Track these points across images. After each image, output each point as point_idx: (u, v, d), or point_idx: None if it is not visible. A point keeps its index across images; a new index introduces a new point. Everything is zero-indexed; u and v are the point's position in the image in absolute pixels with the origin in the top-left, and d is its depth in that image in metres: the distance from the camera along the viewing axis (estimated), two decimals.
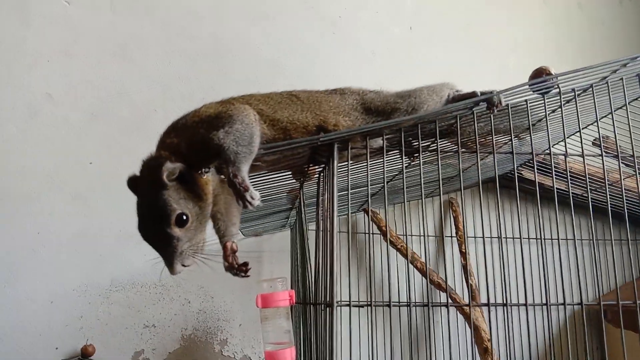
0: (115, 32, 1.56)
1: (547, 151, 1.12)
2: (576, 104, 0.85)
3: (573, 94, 0.87)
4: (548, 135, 0.88)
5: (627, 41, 1.91)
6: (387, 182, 1.25)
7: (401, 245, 1.47)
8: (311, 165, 0.92)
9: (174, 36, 1.61)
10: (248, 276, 0.94)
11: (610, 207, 0.99)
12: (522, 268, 0.90)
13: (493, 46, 1.85)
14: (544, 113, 0.88)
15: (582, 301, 0.93)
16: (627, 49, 1.87)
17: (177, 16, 1.62)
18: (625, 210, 1.02)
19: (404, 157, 0.83)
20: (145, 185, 0.81)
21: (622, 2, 1.94)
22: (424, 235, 1.05)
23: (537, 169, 1.54)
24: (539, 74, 0.85)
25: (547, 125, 0.87)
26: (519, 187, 1.35)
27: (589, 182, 1.39)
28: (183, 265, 0.79)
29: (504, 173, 1.56)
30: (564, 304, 0.82)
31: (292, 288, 1.44)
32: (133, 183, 0.84)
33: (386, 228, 1.29)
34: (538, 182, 1.60)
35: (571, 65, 0.89)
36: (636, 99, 0.97)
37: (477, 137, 0.82)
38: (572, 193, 1.47)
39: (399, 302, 0.79)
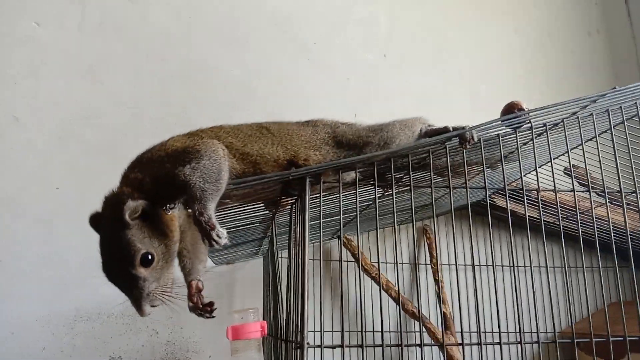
0: (83, 53, 1.53)
1: (519, 181, 1.13)
2: (547, 138, 0.86)
3: (544, 127, 0.88)
4: (520, 168, 0.88)
5: (595, 70, 1.96)
6: (361, 211, 1.23)
7: (375, 274, 1.46)
8: (283, 197, 0.90)
9: (144, 58, 1.58)
10: (213, 317, 0.90)
11: (582, 235, 1.00)
12: (495, 297, 0.89)
13: (465, 73, 1.87)
14: (516, 146, 0.88)
15: (556, 338, 0.93)
16: (595, 78, 1.91)
17: (147, 37, 1.60)
18: (596, 238, 1.02)
19: (376, 190, 0.82)
20: (107, 223, 0.78)
21: (591, 34, 1.99)
22: (397, 263, 1.03)
23: (510, 197, 1.55)
24: (511, 109, 0.86)
25: (519, 158, 0.88)
26: (492, 215, 1.36)
27: (561, 210, 1.41)
28: (152, 306, 0.77)
29: (477, 200, 1.56)
30: (537, 342, 0.82)
31: (264, 319, 1.41)
32: (95, 221, 0.81)
33: (359, 255, 1.28)
34: (511, 210, 1.61)
35: (541, 94, 0.90)
36: (605, 131, 0.99)
37: (449, 170, 0.81)
38: (544, 221, 1.49)
39: (374, 342, 0.77)
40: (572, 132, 0.95)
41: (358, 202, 0.80)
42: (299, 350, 0.73)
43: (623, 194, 1.23)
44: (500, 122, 0.83)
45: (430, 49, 1.86)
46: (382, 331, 0.74)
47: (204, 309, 0.91)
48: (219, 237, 0.73)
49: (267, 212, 0.98)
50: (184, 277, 0.93)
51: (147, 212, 0.77)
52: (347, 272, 1.54)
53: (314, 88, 1.73)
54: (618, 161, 0.88)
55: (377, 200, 0.96)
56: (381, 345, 0.75)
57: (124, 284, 0.76)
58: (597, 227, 1.35)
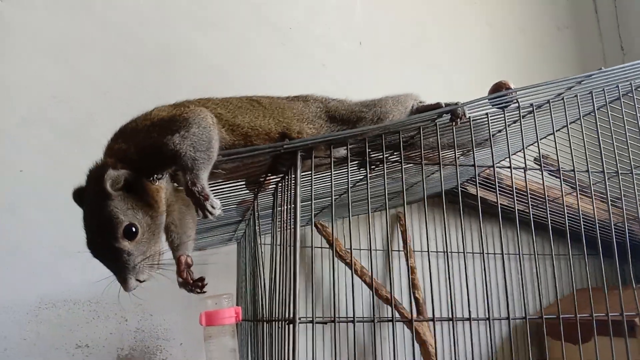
0: (51, 32, 1.47)
1: (504, 162, 1.14)
2: (534, 117, 0.87)
3: (530, 108, 0.89)
4: (508, 147, 0.88)
5: (564, 64, 2.00)
6: (340, 195, 1.23)
7: (349, 260, 1.45)
8: (269, 174, 0.88)
9: (116, 39, 1.54)
10: (204, 292, 0.88)
11: (551, 222, 1.02)
12: (465, 282, 0.90)
13: (439, 63, 1.88)
14: (500, 127, 0.88)
15: (527, 315, 0.95)
16: (564, 72, 1.95)
17: (119, 18, 1.55)
18: (567, 226, 1.04)
19: (368, 168, 0.81)
20: (90, 196, 0.75)
21: (560, 29, 2.04)
22: (370, 250, 1.03)
23: (481, 184, 1.58)
24: (499, 88, 0.86)
25: (507, 137, 0.88)
26: (464, 202, 1.37)
27: (531, 198, 1.43)
28: (138, 281, 0.74)
29: (449, 188, 1.57)
30: (507, 318, 0.82)
31: (238, 304, 1.39)
32: (78, 195, 0.78)
33: (333, 241, 1.28)
34: (482, 198, 1.63)
35: (512, 85, 0.91)
36: (589, 114, 0.99)
37: (439, 147, 0.81)
38: (515, 209, 1.51)
39: (354, 317, 0.76)
40: (545, 119, 0.96)
41: (349, 179, 0.79)
42: (290, 325, 0.71)
43: (591, 182, 1.26)
44: (492, 98, 0.83)
45: (406, 39, 1.87)
46: (354, 308, 0.74)
47: (194, 285, 0.89)
48: (213, 208, 0.71)
49: (249, 191, 0.96)
50: (172, 253, 0.91)
51: (130, 183, 0.74)
52: (321, 258, 1.53)
53: (289, 73, 1.71)
54: (601, 145, 0.89)
55: (369, 180, 0.96)
56: (372, 321, 0.74)
57: (108, 258, 0.73)
58: (567, 216, 1.39)
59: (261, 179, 0.90)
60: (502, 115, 0.87)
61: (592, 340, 1.06)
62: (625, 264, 1.12)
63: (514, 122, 0.89)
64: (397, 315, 1.51)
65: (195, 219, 0.94)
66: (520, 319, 0.96)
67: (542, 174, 1.33)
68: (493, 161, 0.85)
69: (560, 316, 0.97)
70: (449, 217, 1.64)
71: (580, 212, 1.05)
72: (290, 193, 0.77)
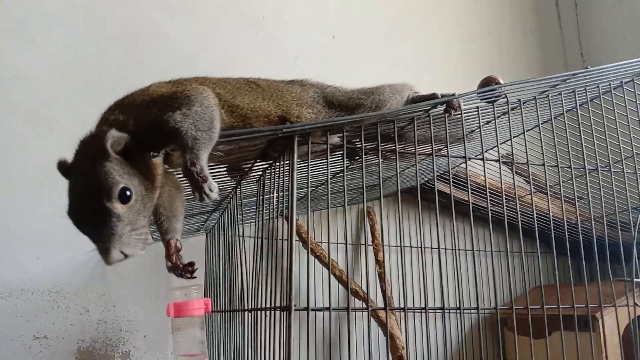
0: (10, 5, 1.39)
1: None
2: (521, 112, 0.89)
3: (515, 104, 0.91)
4: (497, 139, 0.89)
5: (528, 67, 2.07)
6: (317, 186, 1.22)
7: (320, 253, 1.45)
8: (257, 160, 0.86)
9: (81, 17, 1.47)
10: (195, 277, 0.85)
11: (508, 219, 1.04)
12: (422, 274, 0.91)
13: (409, 61, 1.90)
14: (484, 120, 0.90)
15: (497, 305, 0.97)
16: (528, 74, 2.01)
17: None
18: (531, 225, 1.07)
19: (364, 156, 0.80)
20: (83, 160, 0.71)
21: (526, 34, 2.10)
22: (345, 243, 1.03)
23: (447, 181, 1.61)
24: (489, 82, 0.88)
25: (496, 133, 0.89)
26: (430, 199, 1.40)
27: (497, 197, 1.47)
28: (122, 254, 0.68)
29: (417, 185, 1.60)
30: (477, 308, 0.85)
31: (206, 296, 1.36)
32: (64, 166, 0.75)
33: (308, 234, 1.27)
34: (449, 194, 1.66)
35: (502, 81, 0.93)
36: (571, 109, 1.01)
37: (432, 139, 0.82)
38: (482, 206, 1.55)
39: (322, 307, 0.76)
40: (518, 117, 0.98)
41: (329, 170, 0.79)
42: (286, 312, 0.70)
43: (548, 184, 1.30)
44: (485, 92, 0.84)
45: (377, 35, 1.88)
46: (330, 298, 0.74)
47: (184, 269, 0.86)
48: (211, 191, 0.68)
49: (230, 179, 0.94)
50: (161, 236, 0.87)
51: (129, 150, 0.70)
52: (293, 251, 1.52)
53: (261, 63, 1.69)
54: (583, 141, 0.92)
55: (347, 173, 0.95)
56: (346, 309, 0.74)
57: (94, 222, 0.67)
58: (525, 214, 1.43)
59: (246, 166, 0.88)
60: (488, 110, 0.88)
61: (552, 334, 1.10)
62: (581, 262, 1.17)
63: (501, 115, 0.90)
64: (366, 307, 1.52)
65: (184, 202, 0.91)
66: (491, 308, 0.98)
67: (512, 172, 1.37)
68: (483, 154, 0.87)
69: (514, 308, 0.99)
70: (412, 212, 1.67)
71: (535, 210, 1.09)
72: (284, 180, 0.76)
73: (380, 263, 1.56)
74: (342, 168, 0.95)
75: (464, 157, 0.84)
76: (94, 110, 1.42)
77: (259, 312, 0.84)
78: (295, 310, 0.71)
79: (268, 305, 0.79)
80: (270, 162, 0.85)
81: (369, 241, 1.63)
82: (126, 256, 0.69)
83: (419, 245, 1.50)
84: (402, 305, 0.83)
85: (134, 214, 0.69)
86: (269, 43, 1.71)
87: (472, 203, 1.41)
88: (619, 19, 1.95)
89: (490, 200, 1.48)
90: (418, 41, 1.94)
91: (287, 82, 0.93)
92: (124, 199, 0.67)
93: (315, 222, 1.56)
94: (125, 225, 0.67)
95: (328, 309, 0.76)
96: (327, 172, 0.80)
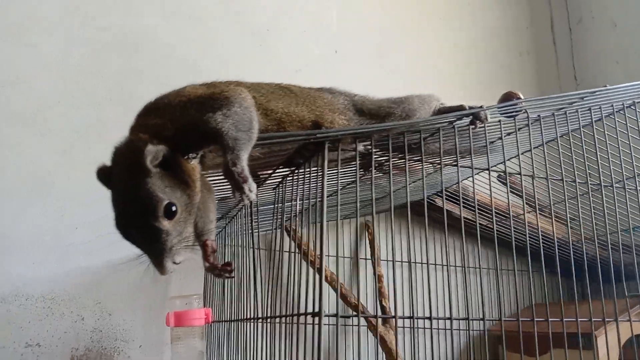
0: (7, 9, 1.37)
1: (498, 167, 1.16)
2: (541, 127, 0.90)
3: (536, 118, 0.92)
4: (504, 155, 0.90)
5: (524, 88, 2.10)
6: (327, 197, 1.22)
7: (319, 265, 1.44)
8: (278, 167, 0.86)
9: (79, 23, 1.45)
10: (233, 277, 0.85)
11: (499, 237, 1.04)
12: (428, 290, 0.91)
13: (405, 77, 1.92)
14: (499, 134, 0.91)
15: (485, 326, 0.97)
16: (524, 94, 2.05)
17: (82, 0, 1.47)
18: (524, 243, 1.07)
19: (391, 166, 0.81)
20: (123, 173, 0.70)
21: (522, 54, 2.15)
22: (351, 257, 1.03)
23: (449, 198, 1.62)
24: (510, 97, 0.89)
25: (517, 142, 0.90)
26: (431, 215, 1.40)
27: (495, 213, 1.48)
28: (174, 263, 0.69)
29: (419, 200, 1.60)
30: (467, 318, 0.85)
31: (205, 306, 1.34)
32: (104, 174, 0.74)
33: (308, 247, 1.26)
34: (448, 211, 1.67)
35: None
36: (587, 125, 1.02)
37: (457, 152, 0.82)
38: (479, 223, 1.56)
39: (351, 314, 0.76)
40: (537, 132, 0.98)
41: (339, 181, 0.78)
42: (316, 318, 0.70)
43: (552, 204, 1.31)
44: (507, 106, 0.85)
45: (376, 49, 1.90)
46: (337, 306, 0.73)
47: (223, 269, 0.85)
48: (250, 191, 0.68)
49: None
50: (196, 238, 0.86)
51: (167, 160, 0.70)
52: (289, 263, 1.51)
53: (262, 75, 1.68)
54: (585, 160, 0.93)
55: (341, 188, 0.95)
56: (393, 317, 0.74)
57: (144, 239, 0.68)
58: (521, 233, 1.44)
59: (264, 173, 0.88)
60: (501, 124, 0.89)
61: (548, 353, 1.10)
62: (578, 281, 1.18)
63: (512, 132, 0.91)
64: (363, 322, 1.52)
65: (215, 204, 0.90)
66: (477, 319, 0.98)
67: (507, 190, 1.38)
68: (505, 165, 0.87)
69: (520, 319, 0.99)
70: (417, 227, 1.68)
71: (527, 228, 1.10)
72: (309, 186, 0.76)
73: (379, 277, 1.55)
74: (352, 179, 0.95)
75: (487, 169, 0.85)
76: (89, 116, 1.42)
77: (276, 319, 0.83)
78: (325, 316, 0.70)
79: (287, 313, 0.78)
80: (293, 169, 0.85)
81: (368, 255, 1.63)
82: (178, 263, 0.70)
83: (413, 261, 1.51)
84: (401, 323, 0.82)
85: (180, 224, 0.70)
86: (271, 55, 1.71)
87: (479, 223, 1.43)
88: (612, 44, 2.00)
89: (496, 219, 1.50)
90: (414, 58, 1.97)
91: (317, 89, 0.93)
92: (170, 214, 0.68)
93: (314, 235, 1.55)
94: (174, 238, 0.68)
95: (357, 315, 0.76)
96: (357, 179, 0.80)
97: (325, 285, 0.87)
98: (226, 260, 0.95)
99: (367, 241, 1.66)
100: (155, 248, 0.67)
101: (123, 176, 0.71)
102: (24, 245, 1.28)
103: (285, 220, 1.45)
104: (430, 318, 0.86)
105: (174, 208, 0.68)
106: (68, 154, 1.38)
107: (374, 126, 0.81)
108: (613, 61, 1.99)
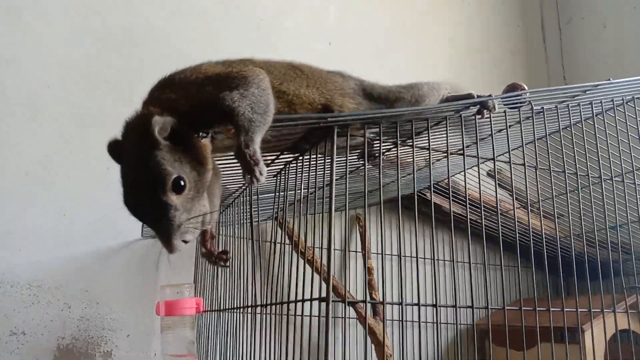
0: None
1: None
2: (544, 120, 0.90)
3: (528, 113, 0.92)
4: (509, 146, 0.90)
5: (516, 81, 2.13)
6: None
7: (311, 257, 1.44)
8: (281, 154, 0.85)
9: (82, 10, 1.43)
10: (227, 266, 0.83)
11: (492, 234, 1.05)
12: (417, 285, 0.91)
13: (402, 74, 1.92)
14: (506, 125, 0.91)
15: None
16: None
17: None
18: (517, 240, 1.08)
19: (398, 154, 0.80)
20: (132, 146, 0.69)
21: (513, 53, 2.17)
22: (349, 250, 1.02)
23: (440, 193, 1.63)
24: (514, 88, 0.89)
25: (521, 136, 0.90)
26: (422, 209, 1.41)
27: (484, 209, 1.49)
28: (184, 242, 0.67)
29: (409, 194, 1.60)
30: (455, 306, 0.85)
31: (196, 295, 1.32)
32: (114, 148, 0.72)
33: (297, 238, 1.26)
34: (439, 205, 1.68)
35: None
36: (587, 119, 1.02)
37: (463, 142, 0.82)
38: (470, 219, 1.57)
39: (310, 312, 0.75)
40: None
41: (347, 169, 0.78)
42: (345, 304, 0.70)
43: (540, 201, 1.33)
44: (511, 97, 0.85)
45: (374, 46, 1.90)
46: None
47: (219, 257, 0.83)
48: (261, 175, 0.67)
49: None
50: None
51: (177, 134, 0.68)
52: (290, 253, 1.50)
53: None
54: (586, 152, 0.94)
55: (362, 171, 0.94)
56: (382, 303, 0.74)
57: (152, 214, 0.66)
58: (510, 230, 1.45)
59: (266, 159, 0.86)
60: (506, 115, 0.89)
61: (535, 347, 1.11)
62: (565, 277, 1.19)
63: (517, 122, 0.91)
64: (353, 314, 1.52)
65: (221, 188, 0.89)
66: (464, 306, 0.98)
67: (495, 186, 1.39)
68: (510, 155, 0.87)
69: (506, 308, 0.99)
70: (408, 221, 1.68)
71: (517, 224, 1.11)
72: (323, 172, 0.75)
73: (369, 270, 1.55)
74: (351, 168, 0.94)
75: (493, 159, 0.85)
76: (88, 103, 1.40)
77: (273, 307, 0.82)
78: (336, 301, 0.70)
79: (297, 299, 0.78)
80: (297, 155, 0.84)
81: (359, 248, 1.62)
82: (186, 242, 0.68)
83: (403, 254, 1.51)
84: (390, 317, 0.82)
85: (189, 200, 0.68)
86: (268, 48, 1.70)
87: (470, 218, 1.43)
88: (601, 45, 2.02)
89: (486, 214, 1.51)
90: (411, 55, 1.97)
91: (328, 72, 0.92)
92: (178, 189, 0.66)
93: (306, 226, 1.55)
94: (182, 214, 0.66)
95: (364, 301, 0.76)
96: (365, 167, 0.79)
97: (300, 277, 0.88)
98: (222, 249, 0.94)
99: (358, 234, 1.66)
100: (163, 225, 0.65)
101: (132, 149, 0.69)
102: (10, 230, 1.25)
103: (280, 210, 1.44)
104: (418, 305, 0.86)
105: (182, 182, 0.66)
106: (64, 140, 1.35)
107: (383, 111, 0.80)
108: (602, 62, 2.02)
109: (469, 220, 0.92)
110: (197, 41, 1.58)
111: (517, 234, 1.03)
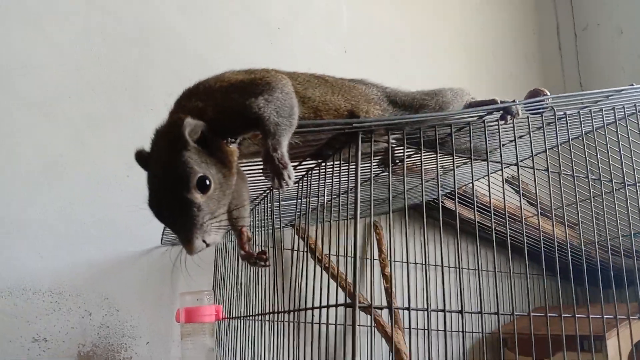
0: None
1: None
2: (567, 125, 0.90)
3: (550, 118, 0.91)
4: (546, 147, 0.89)
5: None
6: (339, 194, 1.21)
7: (328, 264, 1.44)
8: (304, 160, 0.85)
9: (96, 12, 1.45)
10: (268, 265, 0.84)
11: (511, 241, 1.03)
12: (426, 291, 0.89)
13: (415, 80, 1.92)
14: (529, 130, 0.90)
15: (500, 329, 0.96)
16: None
17: None
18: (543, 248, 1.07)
19: (422, 158, 0.80)
20: (161, 151, 0.70)
21: (528, 59, 2.16)
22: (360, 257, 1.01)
23: (456, 200, 1.62)
24: (537, 94, 0.89)
25: (544, 142, 0.89)
26: (435, 216, 1.40)
27: (502, 217, 1.48)
28: (204, 243, 0.67)
29: (427, 201, 1.60)
30: (480, 311, 0.84)
31: (217, 302, 1.33)
32: (142, 158, 0.74)
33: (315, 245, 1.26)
34: (452, 211, 1.66)
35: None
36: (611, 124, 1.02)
37: (487, 148, 0.82)
38: (486, 225, 1.56)
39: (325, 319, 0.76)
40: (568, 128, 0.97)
41: (372, 174, 0.78)
42: (372, 309, 0.70)
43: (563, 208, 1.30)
44: (532, 103, 0.85)
45: (387, 52, 1.90)
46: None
47: (259, 257, 0.83)
48: (289, 178, 0.67)
49: (266, 179, 0.92)
50: (231, 225, 0.85)
51: (205, 139, 0.70)
52: (299, 261, 1.50)
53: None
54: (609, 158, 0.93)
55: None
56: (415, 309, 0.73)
57: (175, 212, 0.67)
58: (531, 237, 1.44)
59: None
60: (529, 120, 0.89)
61: (556, 355, 1.10)
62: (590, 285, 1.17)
63: (541, 127, 0.91)
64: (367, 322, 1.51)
65: (248, 191, 0.89)
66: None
67: (520, 195, 1.39)
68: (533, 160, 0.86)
69: (531, 314, 0.98)
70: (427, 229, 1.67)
71: (541, 234, 1.09)
72: (347, 177, 0.75)
73: (386, 277, 1.55)
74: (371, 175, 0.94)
75: (517, 164, 0.85)
76: (102, 106, 1.41)
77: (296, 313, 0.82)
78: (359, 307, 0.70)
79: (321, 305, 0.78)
80: (320, 161, 0.85)
81: (375, 255, 1.62)
82: (207, 245, 0.68)
83: (429, 263, 1.50)
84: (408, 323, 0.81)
85: (214, 202, 0.68)
86: (283, 52, 1.71)
87: (485, 225, 1.42)
88: (618, 51, 2.01)
89: (504, 221, 1.50)
90: (425, 61, 1.97)
91: (350, 80, 0.93)
92: (203, 188, 0.67)
93: (325, 233, 1.55)
94: (206, 214, 0.67)
95: (389, 307, 0.76)
96: (389, 172, 0.79)
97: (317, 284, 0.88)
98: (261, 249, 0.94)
99: (374, 241, 1.65)
100: (185, 223, 0.66)
101: (162, 153, 0.70)
102: (31, 236, 1.26)
103: (297, 218, 1.44)
104: (444, 311, 0.85)
105: (207, 182, 0.67)
106: (80, 143, 1.37)
107: (407, 117, 0.81)
108: (619, 67, 2.00)
109: (493, 229, 0.92)
110: (210, 44, 1.59)
111: (542, 242, 1.02)
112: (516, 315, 0.94)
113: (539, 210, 1.42)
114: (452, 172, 1.23)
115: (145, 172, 0.76)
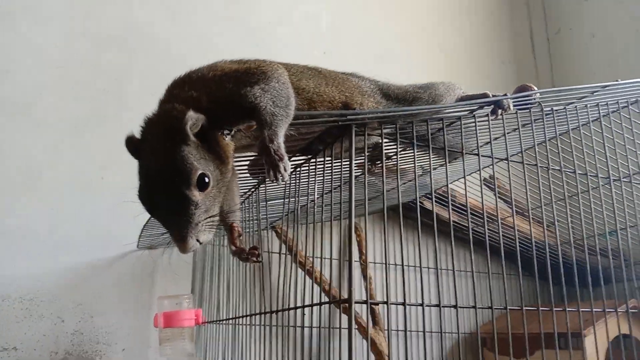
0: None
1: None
2: (554, 119, 0.90)
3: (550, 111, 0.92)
4: (534, 143, 0.89)
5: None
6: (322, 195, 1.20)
7: (310, 267, 1.42)
8: (293, 155, 0.83)
9: (78, 13, 1.41)
10: (260, 262, 0.81)
11: (489, 241, 1.03)
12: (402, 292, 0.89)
13: (398, 81, 1.94)
14: (519, 125, 0.90)
15: (478, 329, 0.96)
16: None
17: None
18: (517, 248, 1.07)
19: (416, 151, 0.79)
20: (157, 142, 0.67)
21: (504, 63, 2.19)
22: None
23: (436, 201, 1.62)
24: (524, 89, 0.90)
25: (532, 136, 0.90)
26: (414, 217, 1.40)
27: (480, 217, 1.49)
28: (198, 242, 0.65)
29: (407, 202, 1.60)
30: (456, 307, 0.83)
31: (198, 306, 1.29)
32: (132, 144, 0.70)
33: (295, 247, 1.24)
34: (430, 211, 1.67)
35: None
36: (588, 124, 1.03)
37: (477, 143, 0.82)
38: (464, 226, 1.56)
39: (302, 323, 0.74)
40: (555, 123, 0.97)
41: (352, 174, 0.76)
42: (345, 305, 0.68)
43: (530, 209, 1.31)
44: (521, 97, 0.85)
45: (370, 55, 1.90)
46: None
47: (250, 253, 0.80)
48: (285, 171, 0.65)
49: (251, 177, 0.90)
50: (222, 221, 0.82)
51: (203, 133, 0.66)
52: (278, 263, 1.48)
53: None
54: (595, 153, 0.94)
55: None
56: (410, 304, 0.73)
57: (171, 209, 0.64)
58: (506, 237, 1.45)
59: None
60: (518, 115, 0.89)
61: (535, 354, 1.10)
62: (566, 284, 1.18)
63: (511, 131, 0.91)
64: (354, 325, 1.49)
65: (238, 186, 0.87)
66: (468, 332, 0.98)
67: (495, 194, 1.40)
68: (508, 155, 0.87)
69: (508, 308, 0.97)
70: (405, 230, 1.67)
71: (516, 233, 1.09)
72: (341, 172, 0.73)
73: (367, 278, 1.54)
74: (356, 173, 0.93)
75: (507, 159, 0.85)
76: (83, 108, 1.37)
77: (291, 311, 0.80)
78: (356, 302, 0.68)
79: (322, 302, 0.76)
80: (309, 157, 0.83)
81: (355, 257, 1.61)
82: (200, 244, 0.66)
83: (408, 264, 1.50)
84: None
85: (210, 200, 0.66)
86: (267, 55, 1.69)
87: (461, 224, 1.43)
88: (589, 55, 2.06)
89: (473, 221, 1.50)
90: (404, 63, 1.98)
91: (343, 72, 0.92)
92: (202, 185, 0.64)
93: (302, 235, 1.53)
94: (202, 213, 0.65)
95: (386, 302, 0.74)
96: (382, 166, 0.78)
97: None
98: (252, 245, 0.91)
99: (356, 243, 1.64)
100: (180, 220, 0.63)
101: (157, 144, 0.67)
102: (4, 241, 1.22)
103: (279, 218, 1.42)
104: (422, 305, 0.84)
105: (206, 179, 0.64)
106: (61, 146, 1.33)
107: (401, 109, 0.80)
108: (591, 71, 2.05)
109: (470, 229, 0.91)
110: (192, 47, 1.56)
111: (517, 241, 1.03)
112: (494, 309, 0.94)
113: (514, 210, 1.43)
114: (431, 172, 1.23)
115: (132, 166, 0.72)
